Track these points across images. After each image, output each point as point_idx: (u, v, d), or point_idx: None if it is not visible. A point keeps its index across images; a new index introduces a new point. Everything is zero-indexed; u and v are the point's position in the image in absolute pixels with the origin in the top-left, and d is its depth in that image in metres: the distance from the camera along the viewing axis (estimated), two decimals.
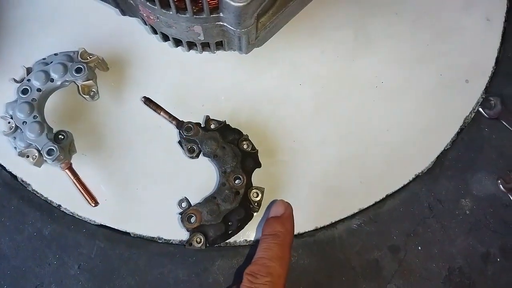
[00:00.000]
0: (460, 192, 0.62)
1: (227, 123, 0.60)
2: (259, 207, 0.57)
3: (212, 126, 0.59)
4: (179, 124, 0.59)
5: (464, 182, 0.62)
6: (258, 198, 0.57)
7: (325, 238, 0.60)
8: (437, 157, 0.63)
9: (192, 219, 0.55)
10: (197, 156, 0.59)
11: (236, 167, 0.56)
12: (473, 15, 0.68)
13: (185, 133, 0.58)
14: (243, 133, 0.59)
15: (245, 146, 0.58)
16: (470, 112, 0.65)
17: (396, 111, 0.64)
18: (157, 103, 0.60)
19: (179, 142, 0.60)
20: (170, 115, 0.60)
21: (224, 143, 0.58)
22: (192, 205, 0.56)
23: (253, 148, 0.59)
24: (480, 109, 0.65)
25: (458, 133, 0.64)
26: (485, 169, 0.63)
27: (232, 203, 0.55)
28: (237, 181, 0.56)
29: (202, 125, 0.59)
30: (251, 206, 0.57)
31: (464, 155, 0.63)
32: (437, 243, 0.60)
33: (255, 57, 0.65)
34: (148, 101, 0.60)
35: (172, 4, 0.46)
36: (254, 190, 0.57)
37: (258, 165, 0.59)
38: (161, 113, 0.60)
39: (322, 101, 0.64)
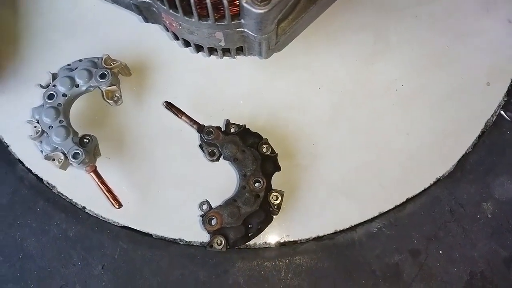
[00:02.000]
0: (482, 195, 0.61)
1: (247, 127, 0.61)
2: (279, 210, 0.57)
3: (232, 130, 0.60)
4: (200, 128, 0.60)
5: (486, 186, 0.62)
6: (278, 201, 0.57)
7: (345, 241, 0.60)
8: (458, 161, 0.62)
9: (213, 222, 0.56)
10: (218, 159, 0.60)
11: (256, 170, 0.57)
12: (494, 17, 0.68)
13: (206, 137, 0.59)
14: (263, 136, 0.60)
15: (264, 150, 0.59)
16: (492, 115, 0.64)
17: (416, 114, 0.64)
18: (178, 108, 0.61)
19: (200, 146, 0.61)
20: (191, 119, 0.61)
21: (244, 147, 0.58)
22: (213, 207, 0.57)
23: (273, 151, 0.59)
24: (502, 112, 0.64)
25: (479, 137, 0.64)
26: (507, 173, 0.62)
27: (252, 206, 0.56)
28: (257, 184, 0.57)
29: (222, 129, 0.60)
30: (271, 209, 0.57)
31: (486, 158, 0.63)
32: (458, 247, 0.59)
33: (274, 62, 0.65)
34: (169, 106, 0.62)
35: (194, 12, 0.47)
36: (274, 193, 0.57)
37: (278, 168, 0.59)
38: (182, 117, 0.61)
39: (341, 105, 0.65)
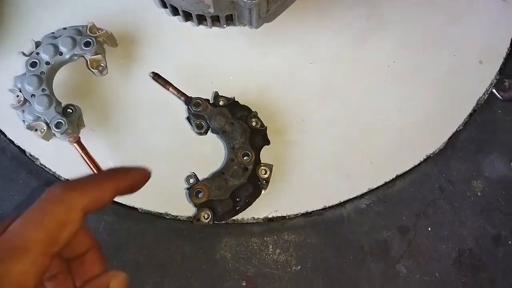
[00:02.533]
0: (472, 173, 0.61)
1: (236, 100, 0.59)
2: (268, 184, 0.56)
3: (221, 103, 0.59)
4: (188, 100, 0.58)
5: (476, 164, 0.61)
6: (266, 175, 0.56)
7: (334, 217, 0.59)
8: (449, 138, 0.62)
9: (200, 195, 0.54)
10: (206, 132, 0.58)
11: (244, 143, 0.56)
12: None
13: (193, 109, 0.57)
14: (252, 110, 0.59)
15: (254, 123, 0.58)
16: (484, 94, 0.64)
17: (407, 91, 0.63)
18: (166, 79, 0.60)
19: (188, 118, 0.59)
20: (178, 91, 0.59)
21: (233, 119, 0.57)
22: (200, 180, 0.56)
23: (262, 125, 0.58)
24: (494, 90, 0.64)
25: (470, 115, 0.63)
26: (497, 151, 0.62)
27: (240, 179, 0.55)
28: (245, 158, 0.56)
29: (211, 102, 0.59)
30: (259, 183, 0.56)
31: (477, 136, 0.62)
32: (447, 224, 0.59)
33: (265, 36, 0.64)
34: (156, 77, 0.60)
35: None
36: (263, 167, 0.56)
37: (267, 142, 0.58)
38: (170, 88, 0.59)
39: (332, 80, 0.63)
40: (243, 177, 0.55)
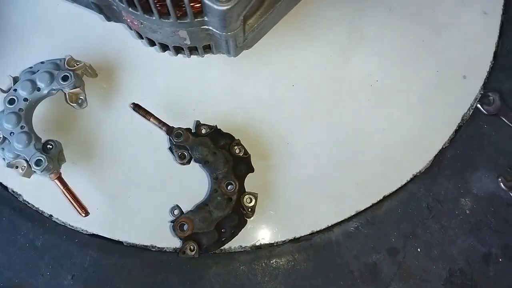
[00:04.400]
0: (460, 191, 0.60)
1: (218, 128, 0.59)
2: (253, 213, 0.56)
3: (203, 131, 0.58)
4: (169, 130, 0.58)
5: (464, 181, 0.61)
6: (251, 204, 0.55)
7: (322, 242, 0.59)
8: (435, 156, 0.61)
9: (185, 227, 0.54)
10: (188, 162, 0.58)
11: (228, 172, 0.55)
12: (469, 9, 0.66)
13: (175, 139, 0.57)
14: (235, 137, 0.58)
15: (237, 151, 0.57)
16: (468, 109, 0.63)
17: (392, 110, 0.63)
18: (146, 109, 0.59)
19: (170, 149, 0.59)
20: (159, 121, 0.58)
21: (215, 149, 0.56)
22: (184, 212, 0.55)
23: (246, 152, 0.58)
24: (479, 105, 0.63)
25: (456, 131, 0.62)
26: (485, 167, 0.61)
27: (224, 210, 0.54)
28: (229, 187, 0.55)
29: (192, 131, 0.58)
30: (244, 212, 0.55)
31: (463, 153, 0.62)
32: (437, 244, 0.58)
33: (247, 59, 0.63)
34: (137, 107, 0.59)
35: (154, 10, 0.44)
36: (247, 196, 0.55)
37: (251, 169, 0.58)
38: (151, 119, 0.59)
39: (315, 102, 0.63)
40: (228, 207, 0.54)
